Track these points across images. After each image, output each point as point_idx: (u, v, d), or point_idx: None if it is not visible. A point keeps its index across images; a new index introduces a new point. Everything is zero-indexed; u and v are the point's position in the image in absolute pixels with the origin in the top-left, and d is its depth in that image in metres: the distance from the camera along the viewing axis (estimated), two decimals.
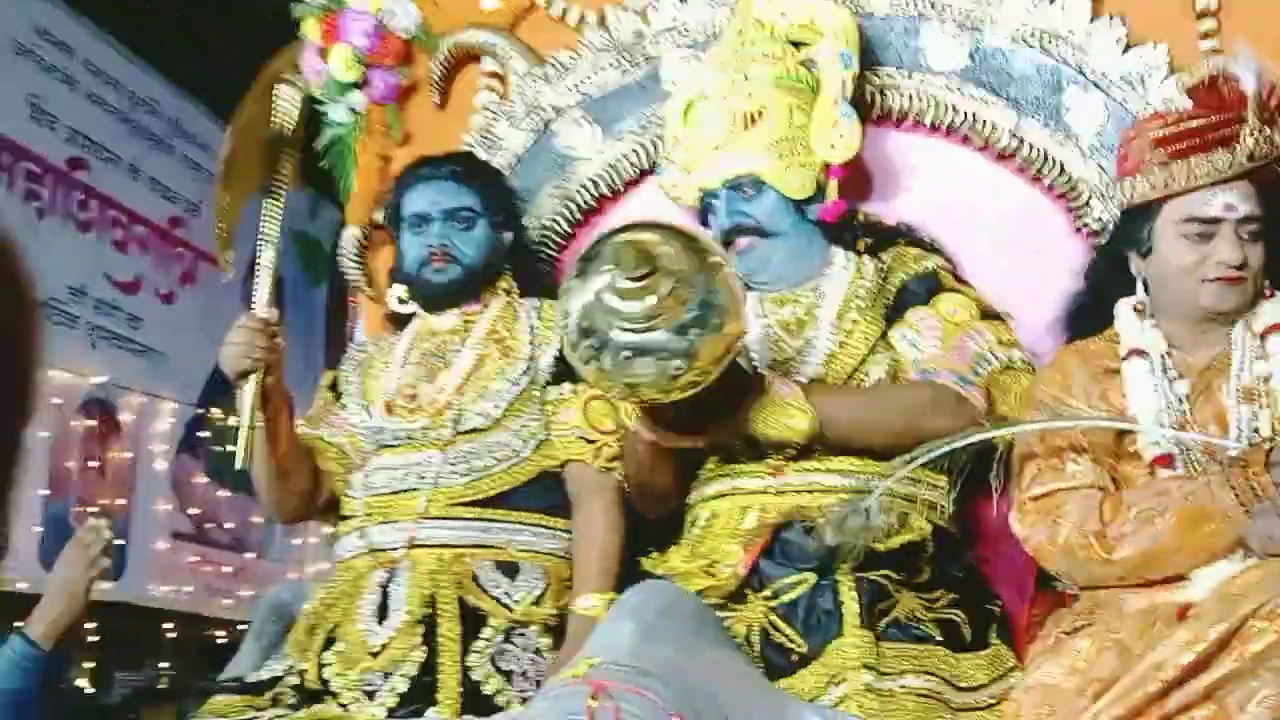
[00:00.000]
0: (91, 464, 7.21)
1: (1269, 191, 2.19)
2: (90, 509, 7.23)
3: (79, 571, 2.44)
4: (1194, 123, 2.18)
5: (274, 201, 2.55)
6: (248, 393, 2.43)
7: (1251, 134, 2.13)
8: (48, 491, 6.90)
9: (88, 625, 7.02)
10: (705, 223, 2.55)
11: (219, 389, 7.41)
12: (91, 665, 7.19)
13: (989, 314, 2.46)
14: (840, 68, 2.55)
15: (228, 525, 8.32)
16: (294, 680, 2.37)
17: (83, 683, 7.19)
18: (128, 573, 7.53)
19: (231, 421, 2.50)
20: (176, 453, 7.79)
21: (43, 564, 6.92)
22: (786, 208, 2.51)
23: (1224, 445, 2.13)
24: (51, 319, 7.00)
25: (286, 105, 2.52)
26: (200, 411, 7.88)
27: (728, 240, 2.48)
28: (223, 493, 8.04)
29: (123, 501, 7.48)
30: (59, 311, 7.06)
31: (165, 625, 7.57)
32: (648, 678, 1.77)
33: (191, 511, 7.95)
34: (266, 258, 2.52)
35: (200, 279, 8.12)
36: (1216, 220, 2.17)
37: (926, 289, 2.47)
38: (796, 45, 2.59)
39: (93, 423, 7.22)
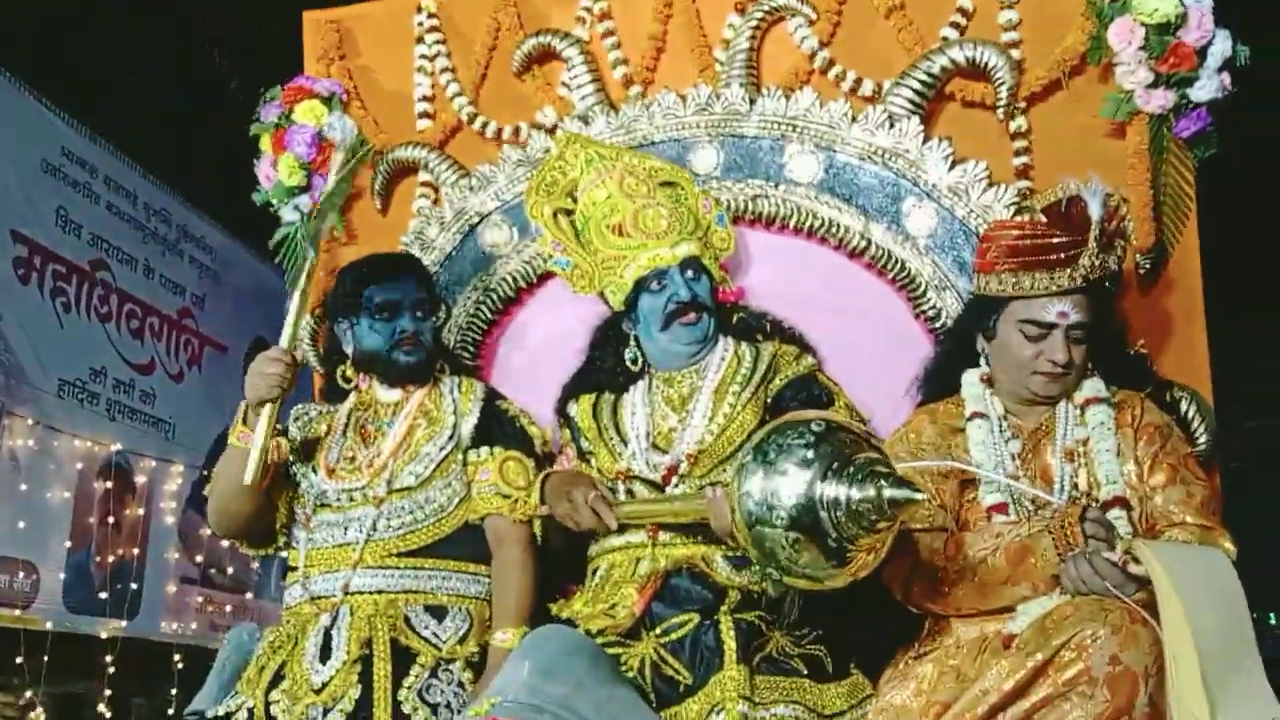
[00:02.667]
0: (109, 520, 7.03)
1: (1098, 302, 2.18)
2: (109, 557, 7.04)
3: None
4: (1043, 239, 2.15)
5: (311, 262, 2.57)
6: (264, 418, 2.35)
7: (1089, 257, 2.12)
8: (70, 544, 6.71)
9: (106, 658, 6.88)
10: (634, 302, 2.45)
11: (221, 454, 7.26)
12: (110, 694, 6.97)
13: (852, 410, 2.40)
14: (716, 223, 2.58)
15: (229, 570, 8.12)
16: (244, 716, 2.24)
17: (103, 709, 6.96)
18: (141, 613, 7.32)
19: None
20: (184, 509, 7.60)
21: (66, 607, 6.72)
22: (712, 290, 2.46)
23: (1047, 498, 2.12)
24: (76, 396, 6.85)
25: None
26: (205, 473, 7.68)
27: (677, 313, 2.41)
28: (225, 542, 7.84)
29: (136, 551, 7.29)
30: (82, 390, 6.90)
31: (175, 657, 7.35)
32: (541, 713, 1.68)
33: (197, 559, 7.76)
34: (294, 306, 2.48)
35: (206, 361, 7.99)
36: (1051, 325, 2.16)
37: (806, 393, 2.38)
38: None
39: (110, 484, 7.04)
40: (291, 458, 2.54)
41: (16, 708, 6.48)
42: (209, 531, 7.65)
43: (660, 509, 2.28)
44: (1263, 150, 4.42)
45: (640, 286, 2.44)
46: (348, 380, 2.61)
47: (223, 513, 2.53)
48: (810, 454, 1.79)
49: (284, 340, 2.43)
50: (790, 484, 1.78)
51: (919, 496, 1.76)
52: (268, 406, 2.36)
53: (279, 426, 2.46)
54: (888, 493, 1.75)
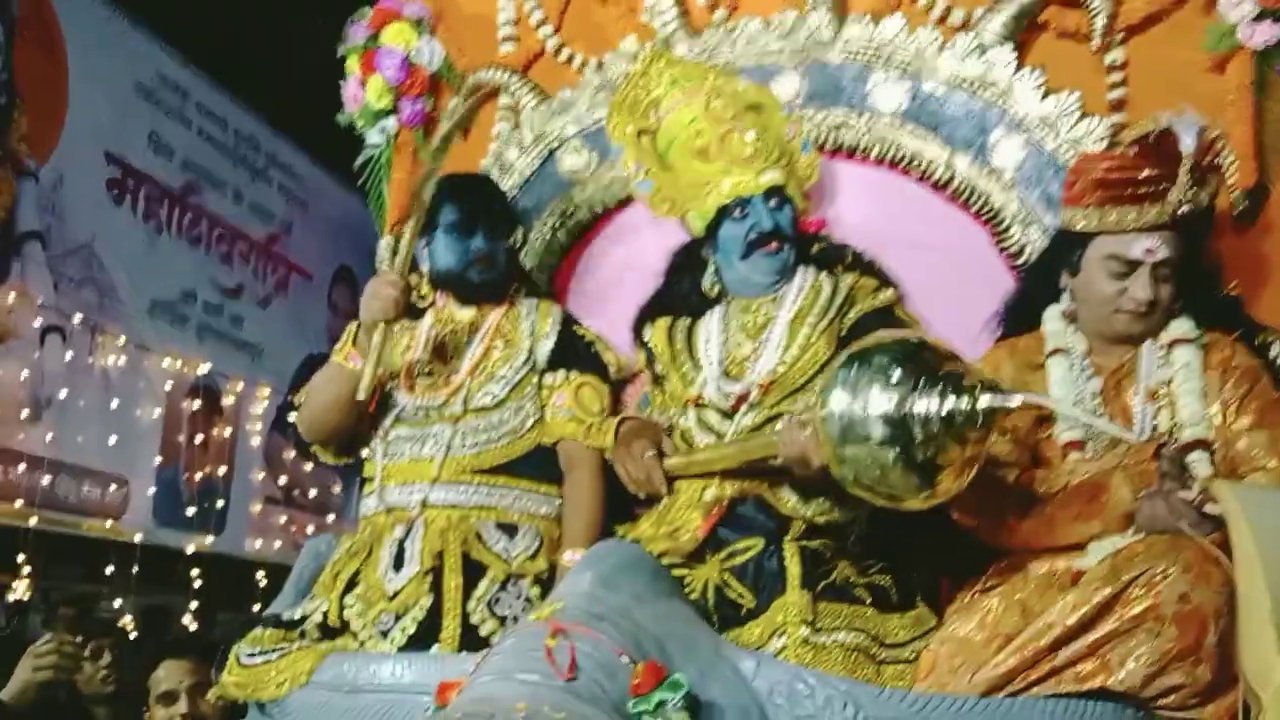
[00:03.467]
0: (197, 439, 7.27)
1: (1188, 240, 2.13)
2: (197, 474, 7.29)
3: (24, 676, 2.81)
4: (1131, 173, 2.11)
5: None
6: (378, 337, 2.40)
7: (1179, 192, 2.08)
8: (160, 459, 6.96)
9: (193, 572, 7.13)
10: (714, 228, 2.43)
11: (306, 379, 7.43)
12: (195, 607, 7.24)
13: None
14: (801, 150, 2.53)
15: (312, 492, 8.36)
16: (319, 618, 2.33)
17: (187, 620, 7.24)
18: (227, 530, 7.59)
19: None
20: (269, 431, 7.83)
21: (155, 521, 6.99)
22: (794, 220, 2.45)
23: (1124, 435, 2.09)
24: (166, 317, 7.06)
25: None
26: (289, 398, 7.89)
27: (759, 243, 2.39)
28: (308, 465, 8.06)
29: (223, 470, 7.54)
30: (173, 311, 7.12)
31: (258, 574, 7.61)
32: (600, 621, 1.73)
33: (281, 480, 8.00)
34: (405, 240, 2.51)
35: (292, 287, 8.17)
36: (1137, 262, 2.12)
37: (883, 326, 2.30)
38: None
39: (199, 404, 7.28)
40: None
41: (106, 616, 6.78)
42: (293, 454, 7.92)
43: (718, 455, 2.27)
44: None
45: (723, 213, 2.41)
46: (423, 297, 2.65)
47: (319, 423, 2.61)
48: (898, 370, 1.80)
49: (398, 264, 2.47)
50: (879, 399, 1.80)
51: (1013, 403, 1.75)
52: (381, 326, 2.40)
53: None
54: (982, 400, 1.74)
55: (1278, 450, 2.07)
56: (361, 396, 2.42)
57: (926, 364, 1.82)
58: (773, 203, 2.40)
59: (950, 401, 1.76)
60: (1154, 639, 1.79)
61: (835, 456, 1.86)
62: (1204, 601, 1.79)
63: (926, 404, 1.77)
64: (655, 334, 2.54)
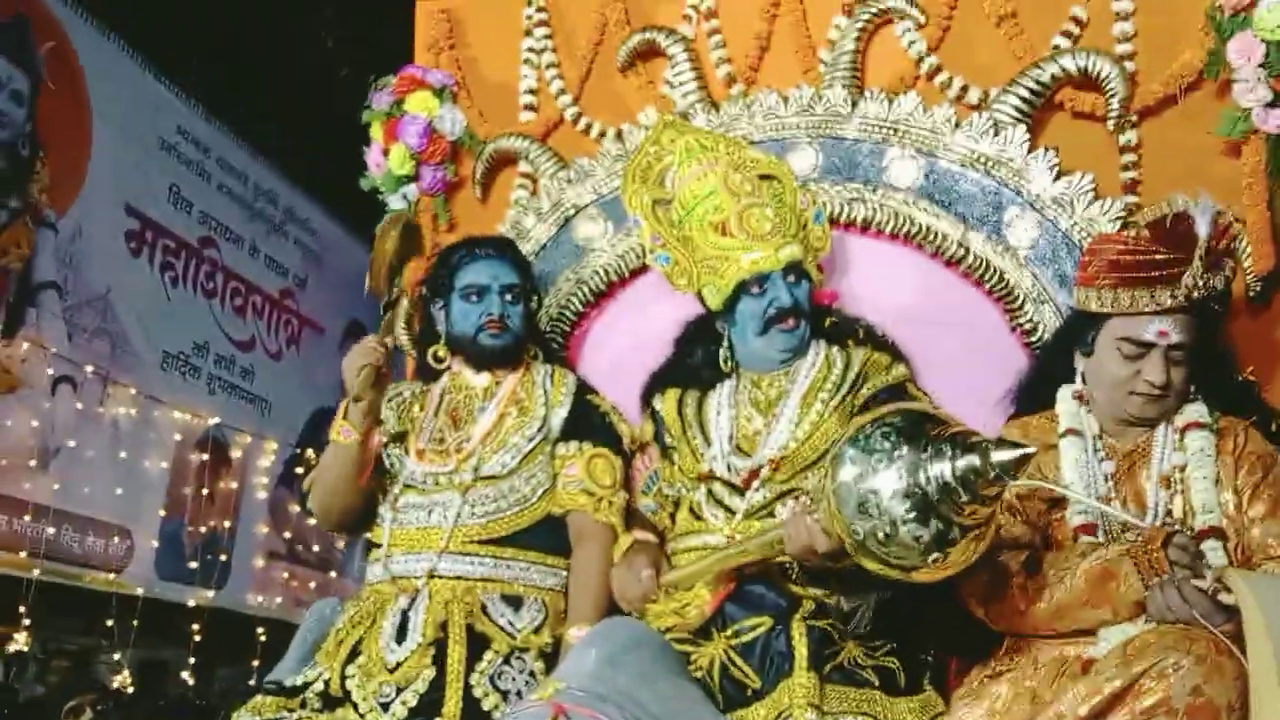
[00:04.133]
0: (203, 491, 7.28)
1: (1202, 324, 2.13)
2: (201, 527, 7.28)
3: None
4: (1146, 256, 2.11)
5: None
6: (364, 386, 2.40)
7: (1193, 275, 2.07)
8: (165, 513, 6.96)
9: (193, 627, 7.10)
10: (731, 302, 2.43)
11: (315, 433, 7.48)
12: (194, 662, 7.19)
13: None
14: (814, 221, 2.54)
15: (315, 548, 8.33)
16: (320, 687, 2.31)
17: (186, 676, 7.19)
18: (229, 585, 7.55)
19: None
20: (275, 485, 7.83)
21: (157, 573, 6.97)
22: (810, 295, 2.46)
23: (1136, 523, 2.07)
24: (178, 369, 7.10)
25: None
26: (298, 451, 7.91)
27: (777, 319, 2.40)
28: (312, 520, 8.03)
29: (228, 524, 7.53)
30: (185, 363, 7.16)
31: (259, 630, 7.57)
32: (604, 702, 1.71)
33: (285, 535, 7.98)
34: (398, 302, 2.57)
35: (304, 341, 8.21)
36: (1150, 344, 2.12)
37: (894, 401, 2.34)
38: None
39: (206, 456, 7.29)
40: (386, 439, 2.60)
41: (105, 669, 6.74)
42: (298, 508, 7.91)
43: (717, 561, 2.23)
44: None
45: (740, 288, 2.41)
46: (439, 360, 2.67)
47: (328, 508, 2.62)
48: (907, 437, 1.80)
49: (381, 330, 2.49)
50: (890, 467, 1.79)
51: (1029, 450, 1.74)
52: (370, 377, 2.39)
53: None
54: (995, 454, 1.74)
55: None
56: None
57: (933, 428, 1.82)
58: (791, 278, 2.41)
59: (963, 459, 1.76)
60: None
61: (847, 528, 1.85)
62: (1216, 694, 1.76)
63: (939, 466, 1.77)
64: (666, 404, 2.54)
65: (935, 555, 1.80)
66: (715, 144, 2.57)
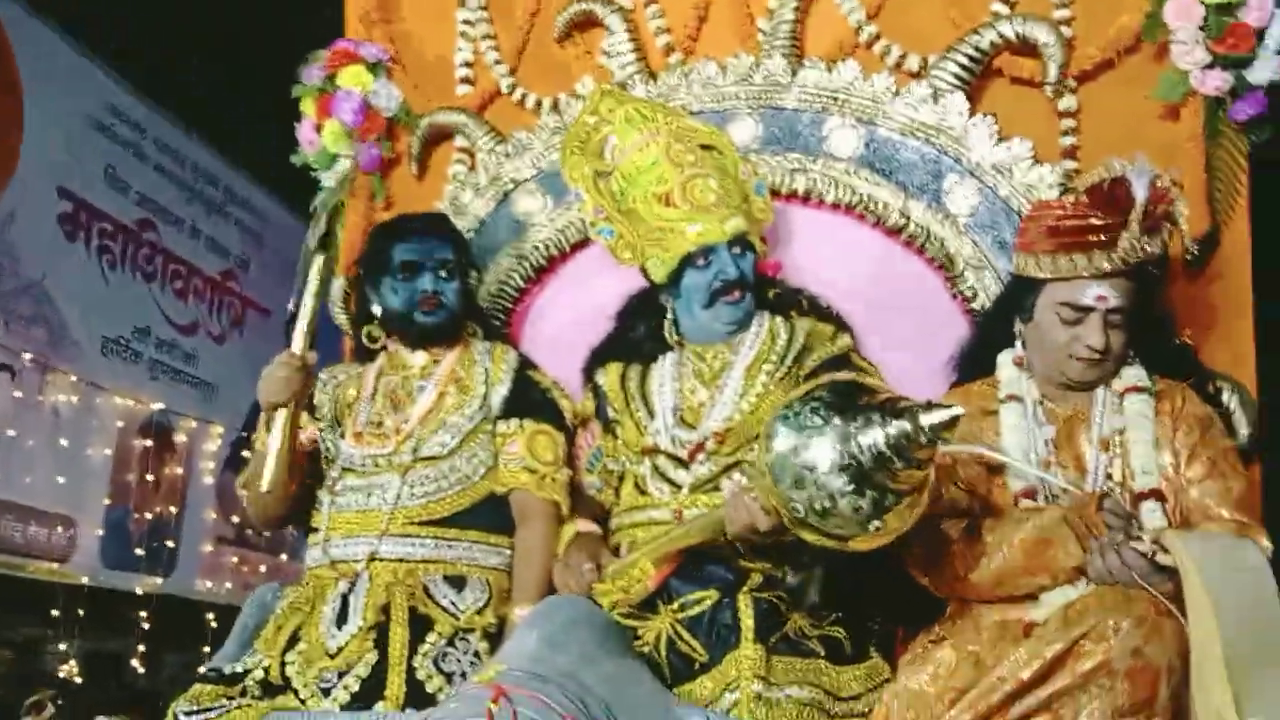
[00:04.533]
0: (148, 478, 7.16)
1: (1140, 288, 2.14)
2: (146, 514, 7.17)
3: None
4: (1084, 221, 2.11)
5: (320, 260, 2.52)
6: (279, 422, 2.37)
7: (1130, 240, 2.07)
8: (109, 500, 6.83)
9: (141, 615, 7.00)
10: (675, 277, 2.40)
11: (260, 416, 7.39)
12: (144, 650, 7.10)
13: None
14: (755, 191, 2.52)
15: (265, 532, 8.23)
16: (260, 675, 2.27)
17: (136, 665, 7.09)
18: (177, 571, 7.45)
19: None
20: (222, 470, 7.71)
21: (103, 562, 6.85)
22: (755, 267, 2.43)
23: (1075, 489, 2.07)
24: (119, 355, 6.97)
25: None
26: (244, 435, 7.79)
27: (723, 292, 2.37)
28: None
29: (174, 510, 7.42)
30: (125, 348, 7.02)
31: (209, 616, 7.48)
32: (545, 683, 1.69)
33: (234, 520, 7.87)
34: (307, 306, 2.44)
35: (248, 323, 8.09)
36: (1088, 309, 2.12)
37: (838, 371, 2.30)
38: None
39: (150, 443, 7.17)
40: (322, 427, 2.56)
41: (52, 661, 6.63)
42: None
43: (660, 546, 2.22)
44: None
45: (686, 261, 2.39)
46: (374, 340, 2.62)
47: (264, 512, 2.60)
48: (837, 407, 1.80)
49: (295, 344, 2.42)
50: (822, 438, 1.79)
51: (958, 411, 1.75)
52: (281, 412, 2.37)
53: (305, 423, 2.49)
54: (924, 418, 1.74)
55: (1230, 500, 2.07)
56: (265, 488, 2.38)
57: (861, 398, 1.82)
58: (736, 250, 2.38)
59: (893, 426, 1.76)
60: (1107, 693, 1.78)
61: (786, 503, 1.84)
62: (1156, 655, 1.78)
63: (871, 435, 1.77)
64: (608, 378, 2.52)
65: (875, 524, 1.80)
66: (654, 113, 2.54)
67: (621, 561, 2.28)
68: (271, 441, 2.37)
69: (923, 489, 1.85)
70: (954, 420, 1.75)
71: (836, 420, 1.78)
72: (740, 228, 2.38)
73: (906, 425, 1.75)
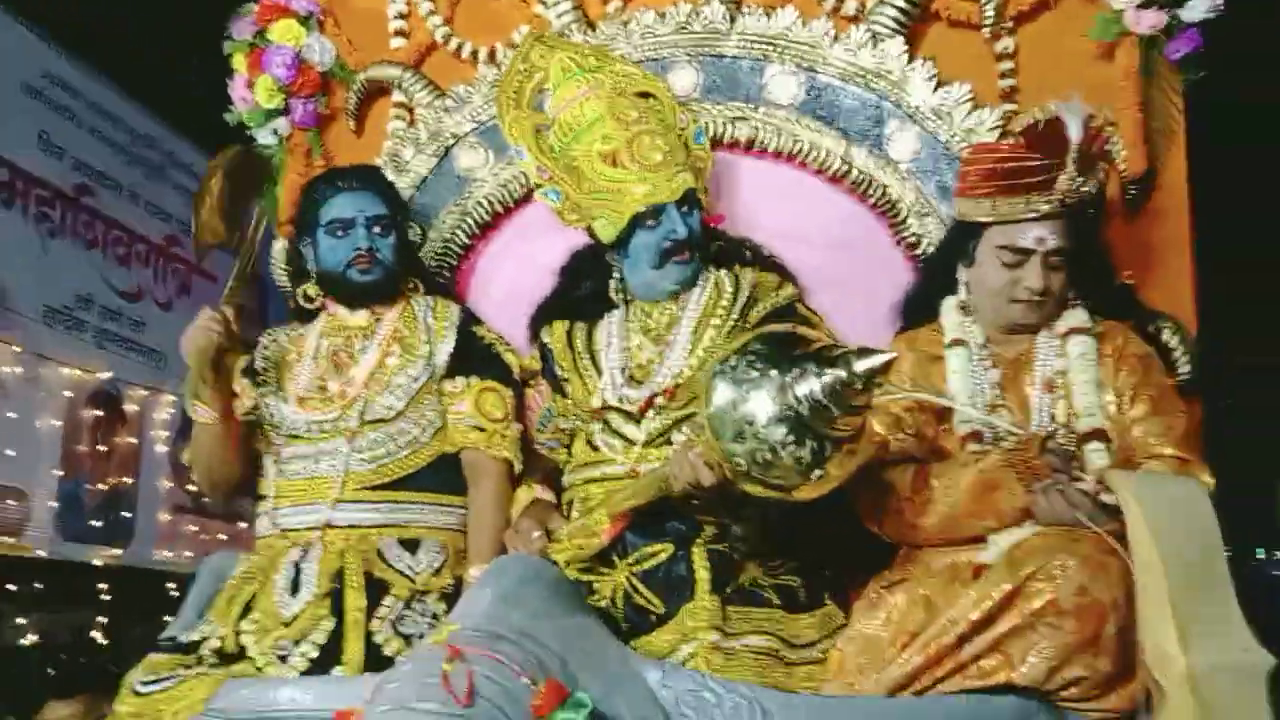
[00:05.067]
0: (100, 448, 7.05)
1: (1079, 228, 2.14)
2: (100, 485, 7.07)
3: None
4: (1021, 163, 2.12)
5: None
6: (204, 377, 2.38)
7: (1067, 180, 2.08)
8: (61, 472, 6.73)
9: (101, 586, 6.93)
10: (626, 237, 2.36)
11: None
12: (105, 621, 7.03)
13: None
14: (694, 140, 2.49)
15: (220, 502, 8.14)
16: (215, 644, 2.24)
17: (97, 636, 7.02)
18: (135, 541, 7.37)
19: None
20: (175, 438, 7.60)
21: (59, 534, 6.76)
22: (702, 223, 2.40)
23: (1016, 432, 2.08)
24: (63, 324, 6.83)
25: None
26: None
27: (673, 251, 2.34)
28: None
29: (129, 480, 7.32)
30: (69, 317, 6.88)
31: (169, 585, 7.41)
32: (500, 641, 1.68)
33: (190, 487, 7.77)
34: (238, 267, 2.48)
35: (195, 289, 7.94)
36: (1028, 251, 2.13)
37: (785, 321, 2.30)
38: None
39: (100, 413, 7.05)
40: (263, 391, 2.50)
41: (11, 634, 6.56)
42: None
43: (610, 506, 2.20)
44: (1254, 76, 4.32)
45: (634, 222, 2.34)
46: (310, 299, 2.57)
47: (212, 484, 2.57)
48: (772, 358, 1.79)
49: (225, 292, 2.44)
50: (760, 389, 1.78)
51: (891, 355, 1.75)
52: (206, 361, 2.37)
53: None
54: (858, 364, 1.74)
55: (1172, 438, 2.10)
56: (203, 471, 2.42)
57: (795, 348, 1.82)
58: (685, 208, 2.35)
59: (828, 374, 1.75)
60: (1054, 632, 1.80)
61: (728, 457, 1.84)
62: (1102, 593, 1.81)
63: (807, 384, 1.76)
64: (554, 336, 2.49)
65: (817, 473, 1.80)
66: (590, 60, 2.49)
67: (573, 525, 2.27)
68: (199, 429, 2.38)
69: (861, 434, 1.85)
70: (888, 365, 1.75)
71: (773, 372, 1.77)
72: (688, 184, 2.35)
73: (841, 373, 1.74)
